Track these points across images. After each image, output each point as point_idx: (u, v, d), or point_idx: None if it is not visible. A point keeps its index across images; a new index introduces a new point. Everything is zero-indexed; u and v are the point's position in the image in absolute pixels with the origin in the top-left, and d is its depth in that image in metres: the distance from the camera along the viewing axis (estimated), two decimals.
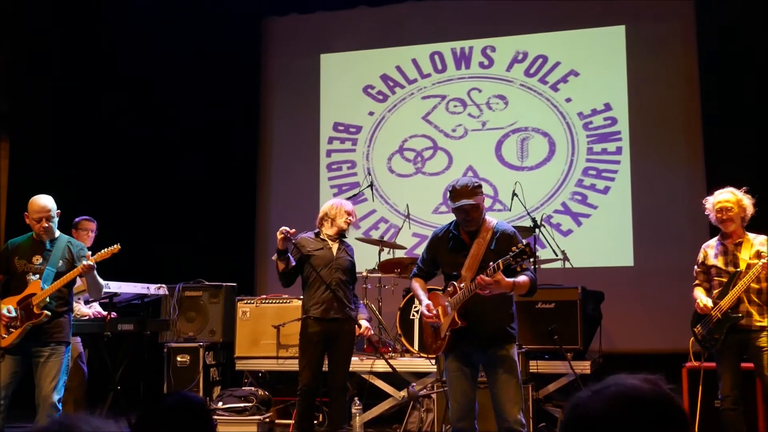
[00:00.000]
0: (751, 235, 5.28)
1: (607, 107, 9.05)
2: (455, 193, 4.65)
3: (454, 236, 4.79)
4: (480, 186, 4.72)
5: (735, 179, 5.25)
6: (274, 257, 5.83)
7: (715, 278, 5.32)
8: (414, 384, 5.93)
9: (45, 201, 5.47)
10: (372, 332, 6.26)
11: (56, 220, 5.53)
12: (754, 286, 5.13)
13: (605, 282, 8.04)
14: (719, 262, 5.30)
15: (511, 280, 4.41)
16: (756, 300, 5.13)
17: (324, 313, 5.79)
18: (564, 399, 7.17)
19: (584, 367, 6.94)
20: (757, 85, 8.01)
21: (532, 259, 4.91)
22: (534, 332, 7.07)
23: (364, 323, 6.09)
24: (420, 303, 4.84)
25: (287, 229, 5.70)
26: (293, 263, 5.83)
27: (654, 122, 8.85)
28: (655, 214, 8.68)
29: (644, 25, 9.01)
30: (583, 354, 7.14)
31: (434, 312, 4.70)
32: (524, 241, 4.58)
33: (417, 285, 4.97)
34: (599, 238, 8.86)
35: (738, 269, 5.16)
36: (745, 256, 5.18)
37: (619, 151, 8.94)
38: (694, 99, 8.70)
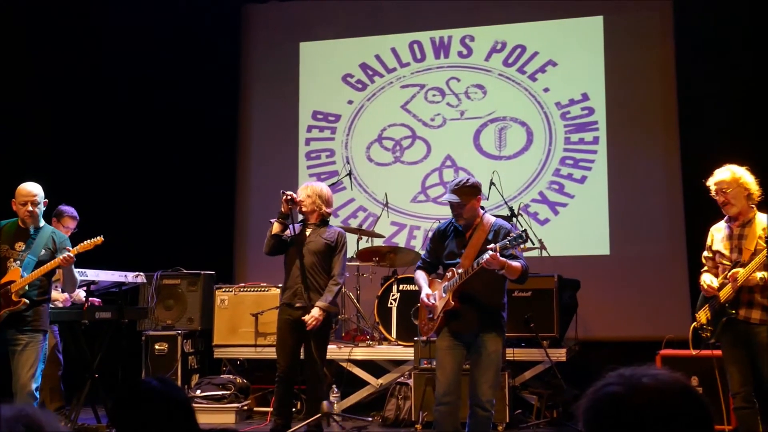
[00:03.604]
0: (760, 216, 4.80)
1: (585, 97, 9.11)
2: (449, 188, 5.02)
3: (455, 228, 5.08)
4: (472, 186, 4.99)
5: (711, 169, 5.09)
6: (273, 220, 5.81)
7: (720, 265, 4.90)
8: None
9: (33, 187, 5.50)
10: (313, 324, 5.67)
11: (42, 208, 5.54)
12: (755, 276, 4.64)
13: (581, 270, 8.11)
14: (723, 248, 4.89)
15: (503, 259, 4.65)
16: (757, 291, 4.68)
17: (291, 299, 5.82)
18: (540, 386, 7.24)
19: (560, 354, 7.00)
20: (733, 75, 8.08)
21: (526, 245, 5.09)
22: (511, 320, 7.03)
23: (314, 311, 5.68)
24: (421, 290, 5.07)
25: (291, 192, 5.75)
26: (290, 233, 5.81)
27: (631, 112, 8.92)
28: (631, 203, 8.76)
29: (622, 15, 9.07)
30: (559, 341, 7.21)
31: (432, 301, 4.97)
32: (522, 228, 4.91)
33: (419, 275, 5.20)
34: (576, 227, 8.93)
35: (740, 260, 4.74)
36: (750, 245, 4.72)
37: (596, 140, 9.01)
38: (671, 89, 8.77)
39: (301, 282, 5.77)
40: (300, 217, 6.03)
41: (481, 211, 5.07)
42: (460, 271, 4.85)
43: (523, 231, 4.68)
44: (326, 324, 5.89)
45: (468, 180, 5.04)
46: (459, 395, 4.93)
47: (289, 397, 5.90)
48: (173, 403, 2.12)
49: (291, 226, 5.83)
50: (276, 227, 5.79)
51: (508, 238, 4.66)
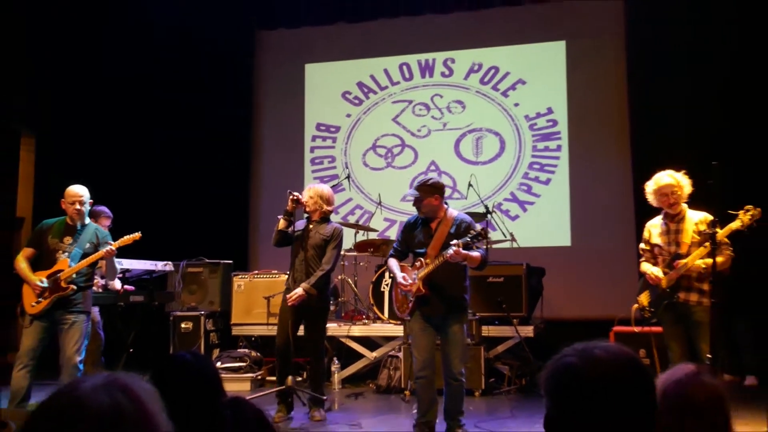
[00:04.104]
0: (690, 213, 4.91)
1: (550, 111, 9.15)
2: (414, 184, 5.05)
3: (423, 222, 5.06)
4: (432, 186, 4.96)
5: (658, 171, 5.13)
6: (280, 216, 5.77)
7: (659, 255, 4.99)
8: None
9: (80, 189, 5.54)
10: (294, 301, 5.60)
11: (88, 207, 5.57)
12: (699, 264, 4.75)
13: (546, 259, 8.16)
14: (661, 241, 4.97)
15: (465, 252, 4.67)
16: (694, 277, 4.79)
17: (292, 285, 5.75)
18: (511, 358, 7.29)
19: (528, 331, 7.07)
20: (677, 93, 8.12)
21: (485, 241, 5.03)
22: (486, 302, 7.19)
23: (297, 290, 5.64)
24: (395, 276, 5.04)
25: (297, 193, 5.72)
26: (294, 229, 5.77)
27: (589, 124, 8.95)
28: (589, 201, 8.80)
29: (582, 40, 9.10)
30: (528, 320, 7.26)
31: (409, 281, 4.93)
32: (480, 226, 4.86)
33: (392, 262, 5.17)
34: (542, 222, 8.96)
35: (679, 252, 4.85)
36: (686, 239, 4.85)
37: (559, 148, 9.05)
38: (624, 104, 8.81)
39: (302, 271, 5.72)
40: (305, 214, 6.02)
41: (445, 206, 5.03)
42: (427, 261, 4.86)
43: (482, 229, 4.69)
44: (322, 306, 5.83)
45: (429, 180, 5.01)
46: (434, 369, 4.93)
47: (286, 367, 5.79)
48: (204, 373, 2.15)
49: (294, 223, 5.80)
50: (282, 223, 5.76)
51: (469, 235, 4.65)
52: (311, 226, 5.85)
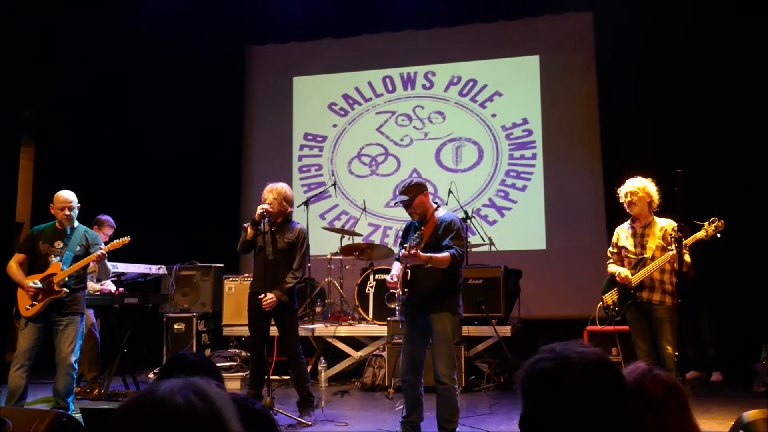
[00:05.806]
0: (657, 219, 4.96)
1: (525, 121, 9.14)
2: (398, 191, 4.85)
3: (415, 225, 4.86)
4: (416, 185, 4.78)
5: (627, 179, 5.13)
6: (247, 224, 5.54)
7: (625, 258, 5.02)
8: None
9: (68, 194, 5.46)
10: (268, 305, 5.37)
11: (76, 211, 5.49)
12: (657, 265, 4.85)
13: (523, 262, 8.11)
14: (629, 244, 5.00)
15: (426, 254, 4.48)
16: (657, 279, 4.86)
17: (258, 288, 5.52)
18: (490, 357, 7.24)
19: (506, 330, 7.01)
20: (644, 103, 8.15)
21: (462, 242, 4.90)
22: (466, 303, 7.02)
23: (269, 295, 5.38)
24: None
25: (267, 207, 5.45)
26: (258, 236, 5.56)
27: (562, 133, 8.96)
28: (563, 207, 8.80)
29: (554, 55, 9.11)
30: (505, 320, 7.20)
31: (394, 281, 4.77)
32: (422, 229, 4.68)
33: (395, 264, 4.97)
34: (518, 226, 8.94)
35: (645, 256, 4.87)
36: (652, 244, 4.87)
37: (534, 156, 9.04)
38: (594, 114, 8.83)
39: (272, 276, 5.45)
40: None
41: (434, 206, 4.87)
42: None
43: (419, 234, 4.52)
44: (289, 309, 5.54)
45: (412, 180, 4.84)
46: (417, 374, 4.76)
47: (261, 371, 5.56)
48: (204, 371, 2.11)
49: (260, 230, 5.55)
50: (250, 233, 5.51)
51: (410, 237, 4.54)
52: (274, 229, 5.58)
